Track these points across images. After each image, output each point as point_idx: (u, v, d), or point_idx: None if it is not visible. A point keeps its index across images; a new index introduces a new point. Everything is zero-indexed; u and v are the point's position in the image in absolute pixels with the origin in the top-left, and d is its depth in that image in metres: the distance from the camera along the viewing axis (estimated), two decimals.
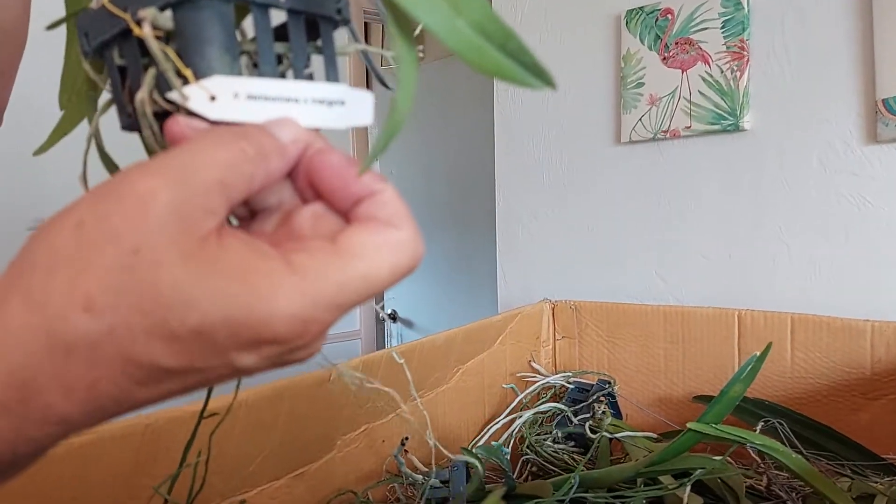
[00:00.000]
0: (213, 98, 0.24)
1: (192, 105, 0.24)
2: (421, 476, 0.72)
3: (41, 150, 0.35)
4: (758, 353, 0.61)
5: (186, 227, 0.21)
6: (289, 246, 0.23)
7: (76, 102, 0.34)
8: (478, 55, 0.24)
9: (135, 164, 0.22)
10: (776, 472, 0.74)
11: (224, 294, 0.20)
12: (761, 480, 0.74)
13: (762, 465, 0.75)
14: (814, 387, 0.88)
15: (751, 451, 0.74)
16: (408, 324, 2.45)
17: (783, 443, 0.71)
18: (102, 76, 0.30)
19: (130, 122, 0.28)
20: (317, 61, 0.29)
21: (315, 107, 0.26)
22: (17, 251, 0.22)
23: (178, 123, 0.24)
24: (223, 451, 0.60)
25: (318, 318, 0.22)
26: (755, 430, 0.74)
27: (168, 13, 0.24)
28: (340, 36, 0.29)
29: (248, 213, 0.27)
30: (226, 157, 0.22)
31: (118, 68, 0.28)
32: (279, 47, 0.27)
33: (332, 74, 0.28)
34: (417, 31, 0.27)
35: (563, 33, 1.24)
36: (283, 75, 0.27)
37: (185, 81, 0.25)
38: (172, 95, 0.25)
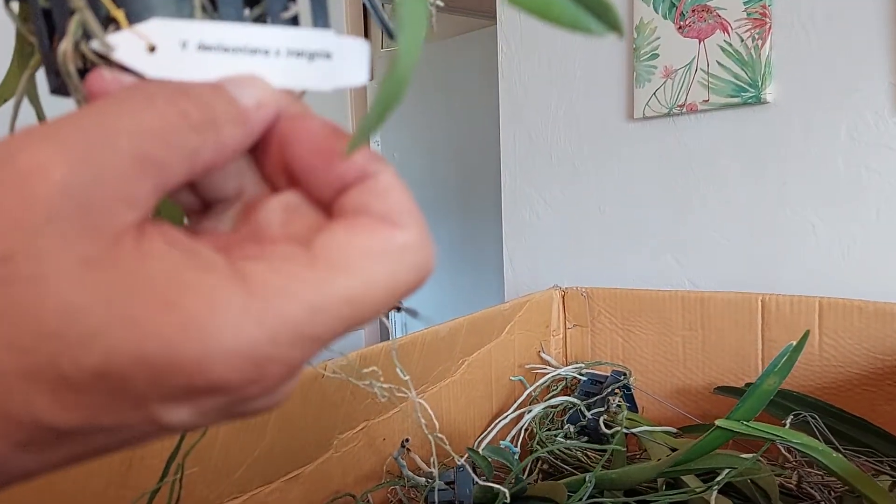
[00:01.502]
0: (152, 48, 0.18)
1: (122, 57, 0.18)
2: (423, 478, 0.67)
3: None
4: (794, 343, 0.55)
5: (89, 223, 0.14)
6: (244, 252, 0.17)
7: (15, 63, 0.28)
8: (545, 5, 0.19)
9: (23, 129, 0.16)
10: (807, 469, 0.68)
11: (140, 322, 0.14)
12: (791, 478, 0.69)
13: (792, 462, 0.69)
14: (844, 376, 0.82)
15: (780, 447, 0.68)
16: (411, 313, 2.40)
17: (817, 438, 0.65)
18: (29, 25, 0.24)
19: (59, 84, 0.22)
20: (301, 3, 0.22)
21: (291, 60, 0.20)
22: None
23: (100, 78, 0.18)
24: (207, 455, 0.55)
25: (280, 358, 0.15)
26: (783, 424, 0.69)
27: None
28: None
29: (198, 204, 0.20)
30: (156, 122, 0.16)
31: (43, 13, 0.22)
32: None
33: (319, 17, 0.21)
34: None
35: None
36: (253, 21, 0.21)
37: (117, 27, 0.19)
38: (95, 45, 0.19)
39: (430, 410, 0.66)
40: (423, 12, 0.17)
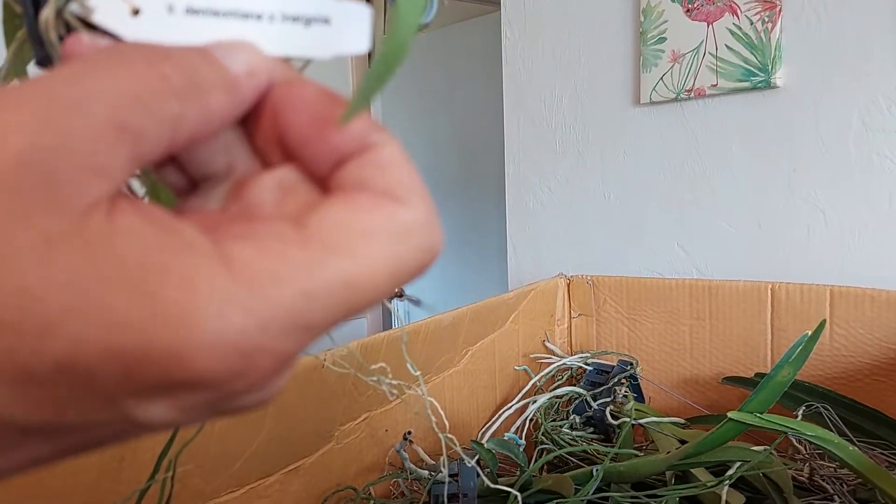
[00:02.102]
0: (135, 11, 0.17)
1: (103, 20, 0.16)
2: (426, 471, 0.65)
3: None
4: (809, 333, 0.53)
5: (52, 197, 0.13)
6: (232, 232, 0.15)
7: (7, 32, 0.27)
8: None
9: None
10: (819, 461, 0.67)
11: (108, 309, 0.12)
12: (803, 471, 0.68)
13: (803, 454, 0.68)
14: (856, 366, 0.81)
15: (791, 438, 0.67)
16: (415, 301, 2.39)
17: (830, 430, 0.63)
18: None
19: (43, 55, 0.20)
20: None
21: (286, 26, 0.18)
22: None
23: (77, 42, 0.16)
24: (203, 448, 0.53)
25: (270, 348, 0.14)
26: (795, 415, 0.67)
27: None
28: None
29: (185, 182, 0.18)
30: (133, 85, 0.14)
31: None
32: None
33: None
34: None
35: None
36: None
37: None
38: (74, 7, 0.17)
39: (437, 405, 0.65)
40: None
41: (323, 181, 0.16)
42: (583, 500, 0.58)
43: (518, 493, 0.55)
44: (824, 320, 0.57)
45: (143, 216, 0.14)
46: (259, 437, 0.59)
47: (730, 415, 0.54)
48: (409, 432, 0.68)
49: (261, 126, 0.17)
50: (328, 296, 0.14)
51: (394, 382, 0.58)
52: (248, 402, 0.15)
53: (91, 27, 0.17)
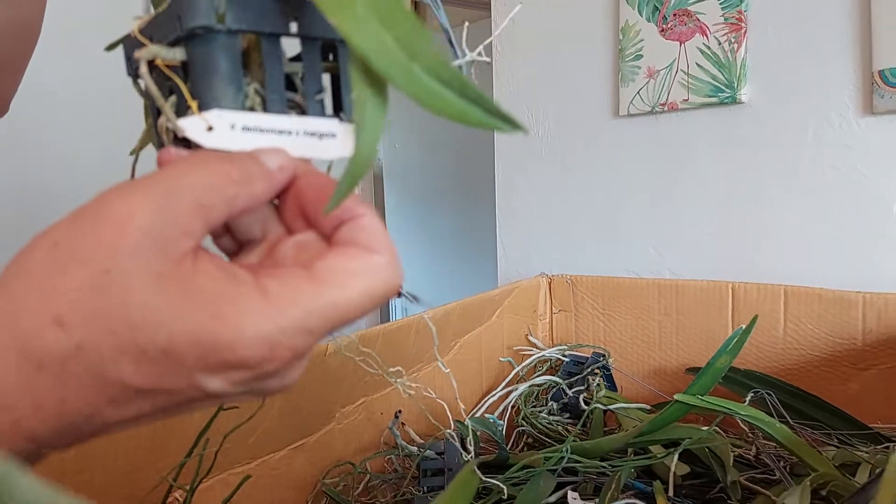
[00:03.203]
0: (210, 129, 0.25)
1: (190, 134, 0.25)
2: (416, 448, 0.74)
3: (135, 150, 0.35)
4: (744, 326, 0.62)
5: (161, 249, 0.21)
6: (265, 272, 0.23)
7: (146, 122, 0.35)
8: (439, 101, 0.24)
9: (116, 185, 0.23)
10: (765, 441, 0.75)
11: (193, 316, 0.21)
12: (750, 450, 0.76)
13: (751, 435, 0.77)
14: (805, 358, 0.89)
15: (740, 422, 0.75)
16: (412, 297, 2.47)
17: (771, 413, 0.72)
18: (147, 101, 0.31)
19: (160, 143, 0.29)
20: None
21: (306, 139, 0.27)
22: (19, 232, 0.23)
23: (167, 153, 0.25)
24: (224, 426, 0.61)
25: (286, 344, 0.22)
26: (745, 401, 0.76)
27: (180, 48, 0.25)
28: None
29: (235, 247, 0.28)
30: (208, 179, 0.23)
31: (151, 100, 0.29)
32: (294, 67, 0.28)
33: (336, 106, 0.29)
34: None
35: (561, 5, 1.24)
36: (293, 101, 0.28)
37: (191, 111, 0.26)
38: (170, 125, 0.26)
39: (421, 387, 0.73)
40: (380, 115, 0.24)
41: (328, 237, 0.25)
42: (552, 470, 0.66)
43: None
44: (756, 316, 0.65)
45: (214, 263, 0.23)
46: (269, 416, 0.68)
47: (676, 397, 0.63)
48: (400, 411, 0.76)
49: (287, 203, 0.26)
50: (322, 313, 0.23)
51: (391, 370, 0.66)
52: (275, 385, 0.24)
53: (182, 140, 0.26)
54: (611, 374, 0.95)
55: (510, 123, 0.24)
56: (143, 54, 0.25)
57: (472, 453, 0.67)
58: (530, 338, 1.05)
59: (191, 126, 0.25)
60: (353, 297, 0.23)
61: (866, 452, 0.68)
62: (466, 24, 0.33)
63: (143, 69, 0.25)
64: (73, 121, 1.37)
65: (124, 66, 0.30)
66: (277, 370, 0.23)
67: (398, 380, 0.76)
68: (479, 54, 0.32)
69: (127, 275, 0.21)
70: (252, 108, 0.26)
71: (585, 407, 0.86)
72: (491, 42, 1.36)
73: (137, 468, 0.55)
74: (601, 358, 0.93)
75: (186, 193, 0.22)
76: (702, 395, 0.63)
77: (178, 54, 0.25)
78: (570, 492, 0.64)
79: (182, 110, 0.26)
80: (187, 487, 0.56)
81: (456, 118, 0.24)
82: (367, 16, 0.22)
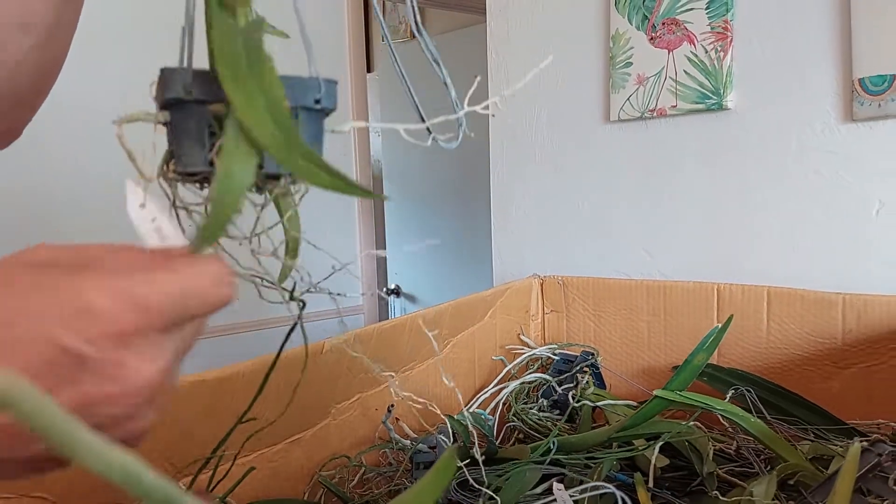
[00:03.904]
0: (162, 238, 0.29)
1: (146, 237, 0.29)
2: (409, 442, 0.77)
3: None
4: (719, 325, 0.65)
5: None
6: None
7: None
8: (312, 175, 0.27)
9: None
10: (744, 437, 0.78)
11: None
12: (731, 445, 0.79)
13: (731, 431, 0.79)
14: (787, 357, 0.92)
15: (721, 419, 0.78)
16: (411, 298, 2.50)
17: (750, 409, 0.75)
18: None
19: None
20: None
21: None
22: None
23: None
24: (224, 420, 0.64)
25: (127, 303, 0.24)
26: (726, 398, 0.79)
27: (164, 112, 0.30)
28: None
29: None
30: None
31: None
32: None
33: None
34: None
35: (554, 14, 1.27)
36: None
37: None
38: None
39: (414, 385, 0.76)
40: (246, 167, 0.27)
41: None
42: (538, 462, 0.69)
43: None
44: (731, 315, 0.68)
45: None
46: (266, 412, 0.71)
47: (655, 392, 0.66)
48: (392, 405, 0.79)
49: None
50: (154, 285, 0.25)
51: (383, 372, 0.69)
52: (132, 427, 0.26)
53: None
54: (600, 372, 0.97)
55: (366, 192, 0.30)
56: (125, 118, 0.29)
57: (460, 443, 0.69)
58: (522, 337, 1.08)
59: (145, 231, 0.29)
60: (168, 287, 0.25)
61: (840, 446, 0.70)
62: (478, 78, 0.36)
63: (119, 131, 0.29)
64: (79, 127, 1.40)
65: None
66: (120, 338, 0.24)
67: (390, 376, 0.79)
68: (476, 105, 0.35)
69: None
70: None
71: (575, 404, 0.89)
72: (488, 98, 1.40)
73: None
74: (590, 356, 0.96)
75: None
76: (681, 391, 0.66)
77: (160, 117, 0.30)
78: (555, 483, 0.67)
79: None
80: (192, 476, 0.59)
81: (327, 187, 0.27)
82: (256, 96, 0.26)
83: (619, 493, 0.61)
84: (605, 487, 0.62)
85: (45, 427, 0.13)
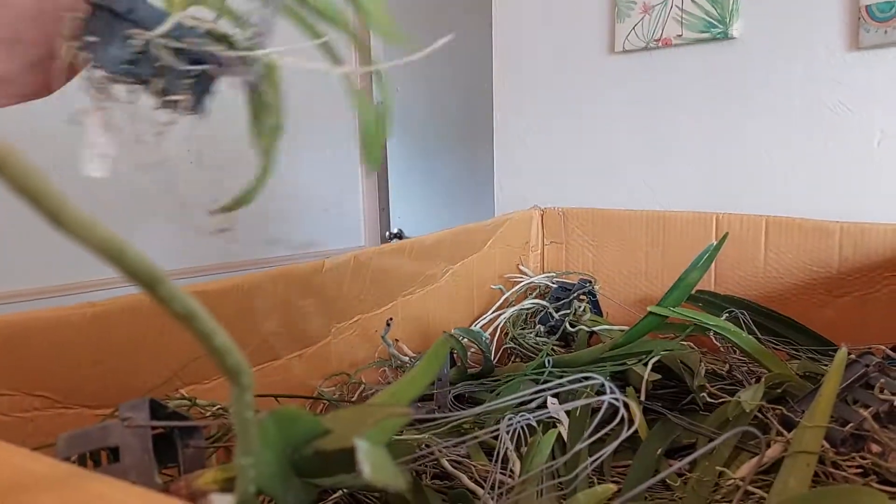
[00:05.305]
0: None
1: None
2: (408, 358, 0.79)
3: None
4: (714, 243, 0.65)
5: None
6: None
7: None
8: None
9: None
10: (736, 358, 0.79)
11: None
12: (723, 367, 0.80)
13: (723, 351, 0.81)
14: (784, 285, 0.93)
15: (713, 340, 0.79)
16: (399, 237, 2.51)
17: (740, 327, 0.76)
18: None
19: None
20: None
21: None
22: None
23: None
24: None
25: None
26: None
27: None
28: None
29: None
30: None
31: None
32: None
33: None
34: None
35: None
36: None
37: None
38: None
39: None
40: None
41: None
42: (534, 380, 0.71)
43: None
44: (727, 233, 0.68)
45: None
46: (267, 326, 0.72)
47: (649, 308, 0.66)
48: (391, 319, 0.80)
49: None
50: None
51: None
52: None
53: None
54: (597, 300, 0.99)
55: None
56: None
57: (457, 358, 0.71)
58: (521, 267, 1.08)
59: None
60: None
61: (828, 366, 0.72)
62: None
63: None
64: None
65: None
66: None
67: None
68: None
69: None
70: None
71: (571, 329, 0.90)
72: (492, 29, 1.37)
73: (142, 366, 0.59)
74: (588, 284, 0.96)
75: None
76: (673, 307, 0.66)
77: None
78: (549, 397, 0.68)
79: None
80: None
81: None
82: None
83: (614, 394, 0.62)
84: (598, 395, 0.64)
85: (34, 191, 0.14)
